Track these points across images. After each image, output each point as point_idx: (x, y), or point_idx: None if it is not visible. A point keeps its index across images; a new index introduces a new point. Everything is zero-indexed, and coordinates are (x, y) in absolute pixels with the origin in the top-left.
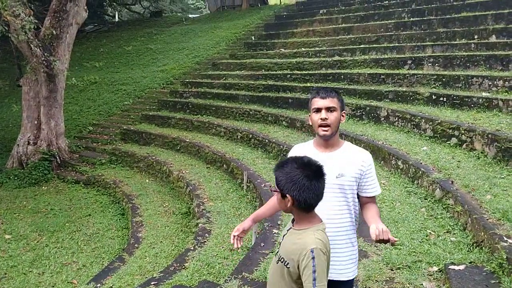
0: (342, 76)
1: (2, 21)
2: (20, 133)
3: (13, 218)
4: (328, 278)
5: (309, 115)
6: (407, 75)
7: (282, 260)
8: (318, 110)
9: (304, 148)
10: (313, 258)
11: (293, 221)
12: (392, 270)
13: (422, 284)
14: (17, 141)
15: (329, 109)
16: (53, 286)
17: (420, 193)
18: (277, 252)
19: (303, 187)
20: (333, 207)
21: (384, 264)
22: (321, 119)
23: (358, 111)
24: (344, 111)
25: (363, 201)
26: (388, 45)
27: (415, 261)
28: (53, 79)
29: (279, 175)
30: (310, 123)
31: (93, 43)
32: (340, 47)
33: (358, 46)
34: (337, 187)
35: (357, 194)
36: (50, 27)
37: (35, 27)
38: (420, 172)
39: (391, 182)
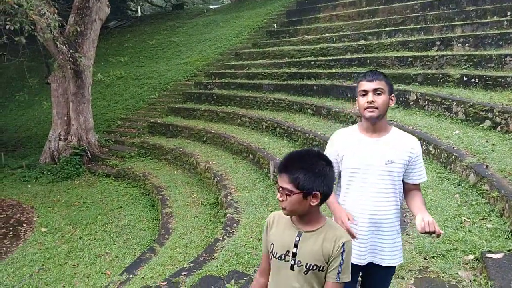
0: (368, 61)
1: (28, 21)
2: (51, 129)
3: (48, 212)
4: (370, 261)
5: (356, 100)
6: (436, 56)
7: (307, 265)
8: (365, 92)
9: (348, 133)
10: (343, 252)
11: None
12: (425, 259)
13: (457, 273)
14: (48, 137)
15: (376, 92)
16: (87, 277)
17: (453, 178)
18: (283, 258)
19: (331, 179)
20: (380, 193)
21: (417, 253)
22: (367, 102)
23: None
24: (393, 95)
25: (407, 188)
26: (415, 26)
27: (449, 249)
28: (80, 75)
29: (299, 174)
30: (357, 108)
31: (117, 39)
32: (365, 31)
33: (383, 29)
34: (386, 173)
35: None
36: (75, 24)
37: (60, 24)
38: (453, 157)
39: None
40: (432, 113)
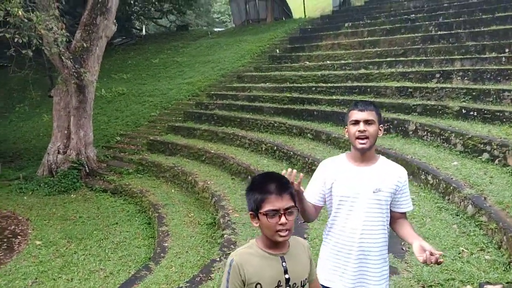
0: (368, 89)
1: (36, 35)
2: (50, 142)
3: (43, 225)
4: None
5: (346, 129)
6: (436, 88)
7: (302, 283)
8: (356, 122)
9: (336, 162)
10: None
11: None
12: (423, 287)
13: None
14: (47, 150)
15: (367, 122)
16: None
17: (451, 209)
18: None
19: None
20: (368, 222)
21: (415, 281)
22: (359, 131)
23: (386, 125)
24: (381, 125)
25: (394, 217)
26: (415, 58)
27: (447, 279)
28: (83, 90)
29: (291, 190)
30: (347, 136)
31: (121, 56)
32: (366, 60)
33: (384, 59)
34: (375, 202)
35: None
36: (81, 40)
37: (67, 40)
38: (451, 188)
39: (421, 197)
40: (431, 143)
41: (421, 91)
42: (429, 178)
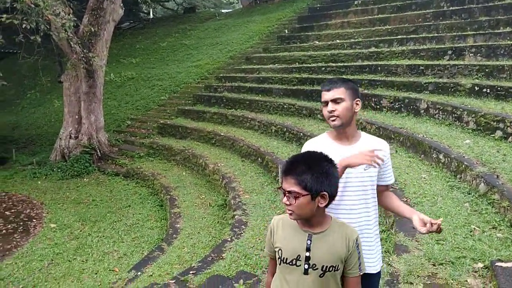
0: (379, 68)
1: (44, 20)
2: (62, 127)
3: (57, 208)
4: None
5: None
6: (448, 66)
7: (323, 268)
8: (326, 103)
9: (320, 143)
10: (357, 246)
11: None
12: (434, 265)
13: (466, 281)
14: (59, 135)
15: (335, 101)
16: (96, 273)
17: (463, 187)
18: (294, 263)
19: (336, 179)
20: (362, 200)
21: (426, 260)
22: (328, 111)
23: (397, 104)
24: (357, 99)
25: (380, 190)
26: (427, 35)
27: (458, 257)
28: (92, 75)
29: (306, 176)
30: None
31: (129, 40)
32: (377, 38)
33: (395, 37)
34: (366, 180)
35: None
36: (89, 24)
37: (75, 25)
38: (463, 166)
39: (432, 176)
40: (443, 122)
41: (432, 69)
42: (441, 156)
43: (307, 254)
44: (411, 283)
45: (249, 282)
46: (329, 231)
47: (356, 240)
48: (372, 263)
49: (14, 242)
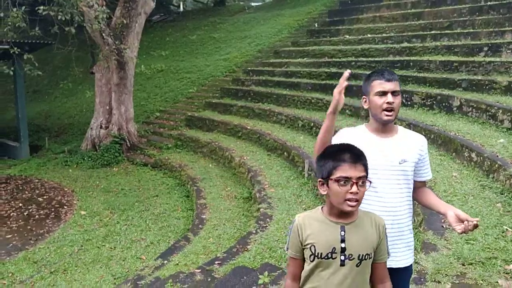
0: (411, 64)
1: (78, 11)
2: (93, 117)
3: (87, 196)
4: (389, 266)
5: (364, 98)
6: (483, 62)
7: (359, 257)
8: (384, 93)
9: (356, 133)
10: (385, 232)
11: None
12: (463, 265)
13: (497, 282)
14: (90, 125)
15: (394, 93)
16: (123, 260)
17: (495, 187)
18: (330, 256)
19: None
20: (396, 194)
21: (455, 259)
22: (387, 103)
23: (429, 100)
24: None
25: (417, 186)
26: (461, 31)
27: (489, 257)
28: (123, 67)
29: (366, 161)
30: (366, 107)
31: (159, 33)
32: (409, 33)
33: (428, 32)
34: (401, 173)
35: None
36: (121, 16)
37: (107, 16)
38: (496, 166)
39: (464, 175)
40: (476, 120)
41: (467, 65)
42: (473, 155)
43: (343, 245)
44: (439, 282)
45: (274, 274)
46: (359, 220)
47: (384, 226)
48: (402, 256)
49: (46, 227)
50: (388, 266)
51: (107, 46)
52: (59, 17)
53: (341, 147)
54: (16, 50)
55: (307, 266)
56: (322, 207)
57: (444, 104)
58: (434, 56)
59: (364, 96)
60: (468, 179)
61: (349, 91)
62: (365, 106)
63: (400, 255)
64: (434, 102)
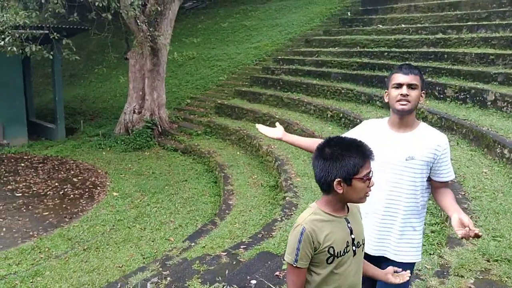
0: (445, 55)
1: None
2: (126, 102)
3: (119, 178)
4: (382, 255)
5: (386, 92)
6: None
7: (363, 241)
8: (399, 85)
9: (378, 125)
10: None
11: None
12: (488, 261)
13: None
14: (124, 109)
15: (410, 86)
16: (153, 241)
17: None
18: (347, 251)
19: None
20: (396, 189)
21: (479, 255)
22: (401, 94)
23: (462, 94)
24: (424, 91)
25: (435, 186)
26: (500, 22)
27: None
28: (157, 53)
29: None
30: (386, 100)
31: (191, 20)
32: (445, 24)
33: (465, 23)
34: (406, 170)
35: (429, 177)
36: (155, 3)
37: (142, 3)
38: None
39: (494, 171)
40: (511, 115)
41: (504, 59)
42: (505, 151)
43: (352, 236)
44: (462, 276)
45: None
46: (351, 208)
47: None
48: (400, 251)
49: (80, 207)
50: (382, 255)
51: (142, 32)
52: (96, 4)
53: (358, 144)
54: (56, 35)
55: (323, 270)
56: (317, 204)
57: (478, 98)
58: (469, 48)
59: (386, 90)
60: (499, 175)
61: (381, 82)
62: (386, 100)
63: (396, 250)
64: (468, 96)
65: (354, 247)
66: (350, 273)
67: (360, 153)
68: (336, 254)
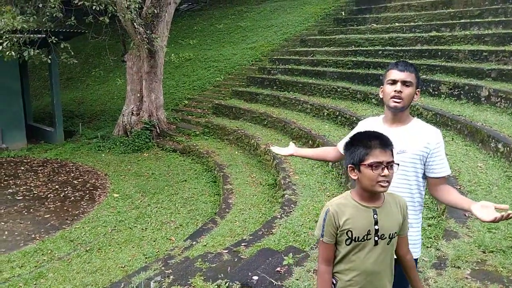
0: (439, 53)
1: (111, 2)
2: (124, 104)
3: (119, 180)
4: None
5: (381, 88)
6: None
7: (390, 235)
8: (394, 82)
9: (372, 122)
10: (407, 209)
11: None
12: (484, 252)
13: None
14: (122, 111)
15: (404, 83)
16: (154, 241)
17: None
18: (366, 239)
19: None
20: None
21: (475, 246)
22: (395, 91)
23: (456, 90)
24: (418, 89)
25: (434, 183)
26: (493, 19)
27: (510, 246)
28: (154, 55)
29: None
30: (381, 96)
31: (187, 22)
32: (438, 22)
33: (458, 21)
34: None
35: (425, 175)
36: (151, 6)
37: (139, 6)
38: None
39: (489, 165)
40: (505, 110)
41: (497, 55)
42: (499, 146)
43: (376, 227)
44: (459, 267)
45: (298, 256)
46: (386, 202)
47: (406, 205)
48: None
49: (81, 209)
50: None
51: (139, 35)
52: (93, 7)
53: (370, 134)
54: (53, 39)
55: (342, 249)
56: (351, 192)
57: (472, 94)
58: (463, 46)
59: (382, 86)
60: (494, 169)
61: (376, 80)
62: (381, 95)
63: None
64: (462, 92)
65: (376, 238)
66: (367, 260)
67: (365, 142)
68: (354, 238)
